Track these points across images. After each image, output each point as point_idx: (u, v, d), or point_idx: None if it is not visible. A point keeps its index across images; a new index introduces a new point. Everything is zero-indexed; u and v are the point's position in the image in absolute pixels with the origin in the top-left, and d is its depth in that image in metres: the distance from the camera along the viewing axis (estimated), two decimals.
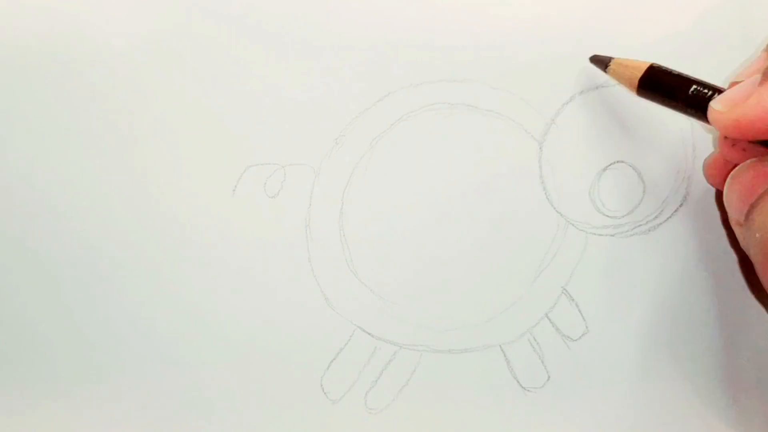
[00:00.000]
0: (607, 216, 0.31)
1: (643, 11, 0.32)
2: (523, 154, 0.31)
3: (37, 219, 0.31)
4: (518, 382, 0.31)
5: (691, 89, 0.27)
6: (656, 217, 0.31)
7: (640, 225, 0.31)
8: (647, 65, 0.28)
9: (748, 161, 0.25)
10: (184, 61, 0.32)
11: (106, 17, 0.32)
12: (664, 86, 0.28)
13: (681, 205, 0.31)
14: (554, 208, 0.31)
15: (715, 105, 0.25)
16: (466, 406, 0.31)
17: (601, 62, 0.30)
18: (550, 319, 0.31)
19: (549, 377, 0.31)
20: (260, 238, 0.31)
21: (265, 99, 0.32)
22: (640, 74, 0.28)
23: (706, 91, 0.27)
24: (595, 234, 0.31)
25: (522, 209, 0.31)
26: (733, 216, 0.26)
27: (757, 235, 0.24)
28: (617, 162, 0.31)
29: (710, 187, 0.31)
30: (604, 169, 0.31)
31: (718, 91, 0.27)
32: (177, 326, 0.31)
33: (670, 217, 0.31)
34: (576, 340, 0.31)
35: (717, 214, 0.31)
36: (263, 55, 0.32)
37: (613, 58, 0.30)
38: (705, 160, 0.30)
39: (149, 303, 0.31)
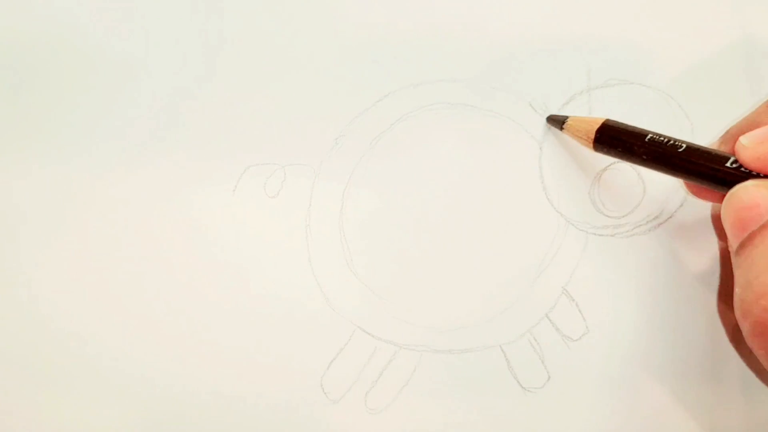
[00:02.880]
0: (607, 216, 0.31)
1: (642, 13, 0.32)
2: (523, 154, 0.31)
3: (35, 219, 0.31)
4: (518, 382, 0.31)
5: (647, 138, 0.27)
6: (656, 217, 0.31)
7: (640, 225, 0.31)
8: (601, 121, 0.29)
9: (747, 182, 0.25)
10: (184, 61, 0.32)
11: (106, 16, 0.32)
12: (620, 140, 0.28)
13: (681, 206, 0.31)
14: (554, 208, 0.31)
15: (743, 140, 0.26)
16: (466, 406, 0.31)
17: (557, 121, 0.31)
18: (550, 319, 0.31)
19: (549, 377, 0.31)
20: (260, 238, 0.31)
21: (265, 99, 0.32)
22: (594, 130, 0.29)
23: (662, 139, 0.27)
24: (595, 234, 0.31)
25: (522, 209, 0.31)
26: (729, 241, 0.26)
27: (748, 276, 0.24)
28: (617, 162, 0.31)
29: None
30: (604, 169, 0.31)
31: (674, 140, 0.27)
32: (176, 326, 0.31)
33: (670, 217, 0.31)
34: (576, 340, 0.31)
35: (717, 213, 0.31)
36: (263, 54, 0.32)
37: (569, 117, 0.30)
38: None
39: (148, 302, 0.31)
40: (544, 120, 0.31)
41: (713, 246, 0.31)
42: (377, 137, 0.32)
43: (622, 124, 0.29)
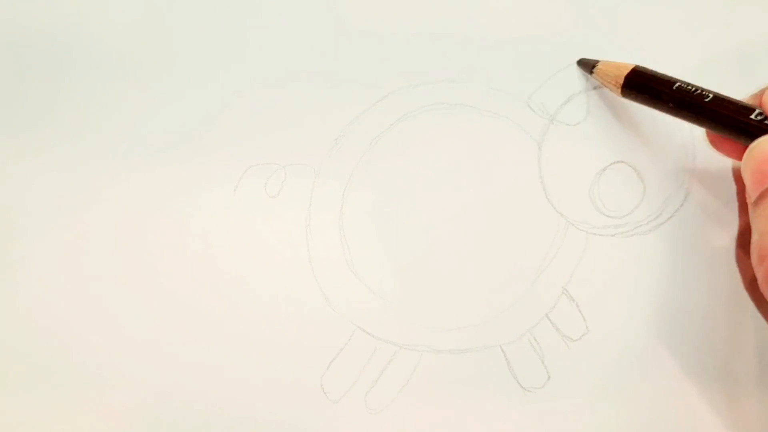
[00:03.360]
0: (608, 216, 0.31)
1: (640, 14, 0.32)
2: (523, 154, 0.31)
3: (34, 219, 0.32)
4: (518, 382, 0.31)
5: (675, 86, 0.27)
6: (657, 217, 0.31)
7: (641, 225, 0.31)
8: (632, 66, 0.29)
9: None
10: (185, 61, 0.32)
11: (106, 16, 0.33)
12: (648, 86, 0.28)
13: (681, 205, 0.31)
14: (554, 208, 0.31)
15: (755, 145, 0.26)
16: (466, 406, 0.31)
17: (587, 65, 0.31)
18: (550, 319, 0.31)
19: (549, 377, 0.31)
20: (260, 238, 0.31)
21: (266, 99, 0.32)
22: (624, 75, 0.29)
23: (689, 88, 0.27)
24: (595, 234, 0.31)
25: (522, 209, 0.31)
26: (748, 191, 0.26)
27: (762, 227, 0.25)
28: (617, 162, 0.31)
29: (711, 187, 0.31)
30: (604, 169, 0.31)
31: (702, 90, 0.27)
32: (176, 325, 0.31)
33: (670, 217, 0.31)
34: (576, 340, 0.31)
35: (718, 214, 0.31)
36: (263, 55, 0.32)
37: (599, 61, 0.30)
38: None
39: (149, 302, 0.31)
40: (545, 121, 0.31)
41: (713, 246, 0.31)
42: (377, 137, 0.32)
43: (651, 70, 0.29)
